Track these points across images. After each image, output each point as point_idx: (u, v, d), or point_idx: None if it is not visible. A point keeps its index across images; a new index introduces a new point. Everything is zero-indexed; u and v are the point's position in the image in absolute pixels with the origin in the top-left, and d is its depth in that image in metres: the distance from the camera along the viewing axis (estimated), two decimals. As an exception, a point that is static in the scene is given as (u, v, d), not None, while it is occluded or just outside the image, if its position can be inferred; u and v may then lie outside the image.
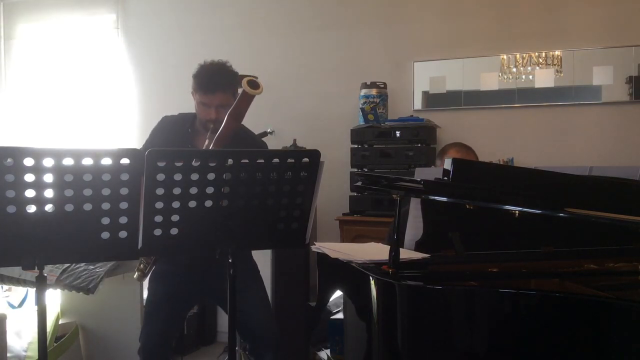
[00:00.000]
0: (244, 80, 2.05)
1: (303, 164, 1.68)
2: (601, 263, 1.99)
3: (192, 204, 1.60)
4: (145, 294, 2.60)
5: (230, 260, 1.74)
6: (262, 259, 3.83)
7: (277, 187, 1.68)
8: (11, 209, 1.44)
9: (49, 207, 1.48)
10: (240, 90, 2.20)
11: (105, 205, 1.52)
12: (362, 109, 3.93)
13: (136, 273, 2.39)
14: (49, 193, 1.47)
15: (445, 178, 1.69)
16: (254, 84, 2.06)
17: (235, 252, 1.74)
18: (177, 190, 1.57)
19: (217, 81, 2.32)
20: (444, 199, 1.79)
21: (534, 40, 3.87)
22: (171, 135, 2.43)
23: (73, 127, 5.03)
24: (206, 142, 2.27)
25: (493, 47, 3.95)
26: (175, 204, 1.59)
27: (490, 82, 3.96)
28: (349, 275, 1.93)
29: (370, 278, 1.73)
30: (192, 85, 2.40)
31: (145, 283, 2.54)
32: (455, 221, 2.05)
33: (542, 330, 1.58)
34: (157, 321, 2.44)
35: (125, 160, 1.50)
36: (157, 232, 1.61)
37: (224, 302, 2.53)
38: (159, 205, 1.57)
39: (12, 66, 5.31)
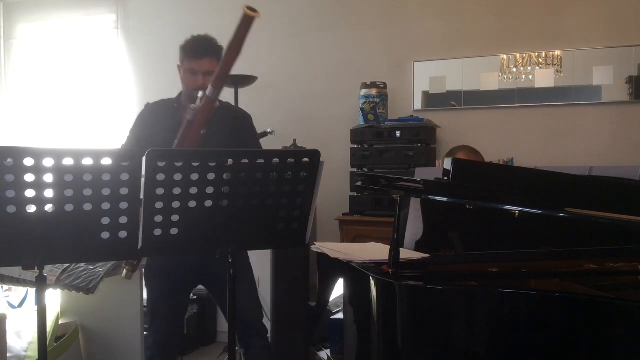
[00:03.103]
0: (244, 5, 2.09)
1: (303, 164, 1.67)
2: (601, 263, 1.99)
3: (192, 204, 1.60)
4: (145, 294, 2.61)
5: (230, 260, 1.74)
6: (262, 259, 3.84)
7: (277, 187, 1.67)
8: (11, 209, 1.44)
9: (49, 207, 1.48)
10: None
11: (105, 205, 1.52)
12: (362, 109, 3.93)
13: (124, 271, 2.38)
14: (49, 193, 1.46)
15: (445, 178, 1.69)
16: (252, 9, 2.10)
17: (235, 252, 1.74)
18: (177, 190, 1.57)
19: (205, 47, 2.41)
20: (444, 199, 1.79)
21: (534, 40, 3.87)
22: (160, 116, 2.46)
23: (73, 127, 5.03)
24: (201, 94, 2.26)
25: (493, 47, 3.95)
26: (175, 204, 1.58)
27: (490, 82, 3.96)
28: (349, 275, 1.93)
29: (370, 278, 1.73)
30: (179, 57, 2.48)
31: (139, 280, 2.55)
32: (455, 221, 2.05)
33: (542, 331, 1.58)
34: (163, 316, 2.47)
35: (125, 161, 1.50)
36: (157, 232, 1.61)
37: (215, 289, 2.56)
38: (159, 205, 1.57)
39: (12, 66, 5.31)
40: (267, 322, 3.79)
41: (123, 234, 1.57)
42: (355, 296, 1.96)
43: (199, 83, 2.34)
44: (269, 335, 2.61)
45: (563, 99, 3.84)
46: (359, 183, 1.98)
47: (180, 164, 1.55)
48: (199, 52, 2.40)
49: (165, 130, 2.32)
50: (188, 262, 2.43)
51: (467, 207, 1.80)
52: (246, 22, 2.15)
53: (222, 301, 2.58)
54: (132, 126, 2.52)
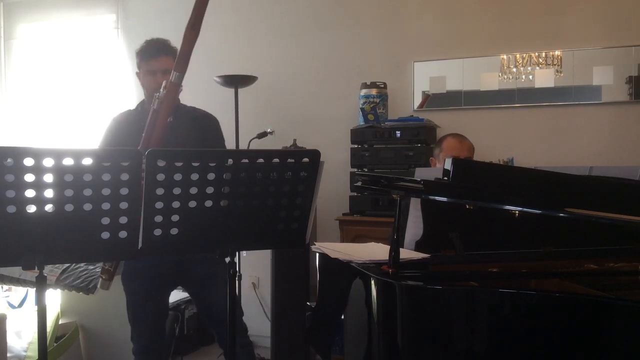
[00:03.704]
0: None
1: (303, 164, 1.67)
2: (601, 263, 1.99)
3: (192, 204, 1.60)
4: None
5: (230, 260, 1.74)
6: (262, 259, 3.84)
7: (277, 187, 1.68)
8: (11, 209, 1.44)
9: (49, 207, 1.48)
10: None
11: (105, 205, 1.52)
12: (362, 109, 3.93)
13: (100, 281, 2.38)
14: (49, 193, 1.46)
15: (445, 178, 1.69)
16: None
17: (235, 252, 1.74)
18: (177, 190, 1.57)
19: (160, 46, 2.49)
20: (444, 199, 1.79)
21: (534, 40, 3.87)
22: (128, 124, 2.51)
23: (73, 127, 5.03)
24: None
25: (493, 47, 3.95)
26: (175, 204, 1.59)
27: (490, 82, 3.96)
28: (349, 275, 1.93)
29: (371, 278, 1.73)
30: (136, 63, 2.54)
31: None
32: (455, 221, 2.05)
33: (542, 331, 1.58)
34: (145, 319, 2.48)
35: (125, 161, 1.50)
36: (157, 232, 1.61)
37: (193, 289, 2.57)
38: (159, 205, 1.57)
39: (12, 66, 5.31)
40: (267, 322, 3.80)
41: (123, 234, 1.57)
42: (356, 296, 1.96)
43: (159, 81, 2.36)
44: (257, 334, 2.62)
45: (563, 99, 3.83)
46: (359, 183, 1.98)
47: (180, 164, 1.55)
48: (155, 51, 2.46)
49: (134, 134, 2.34)
50: (165, 264, 2.43)
51: (467, 207, 1.80)
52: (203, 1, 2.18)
53: (199, 301, 2.59)
54: (103, 138, 2.56)
